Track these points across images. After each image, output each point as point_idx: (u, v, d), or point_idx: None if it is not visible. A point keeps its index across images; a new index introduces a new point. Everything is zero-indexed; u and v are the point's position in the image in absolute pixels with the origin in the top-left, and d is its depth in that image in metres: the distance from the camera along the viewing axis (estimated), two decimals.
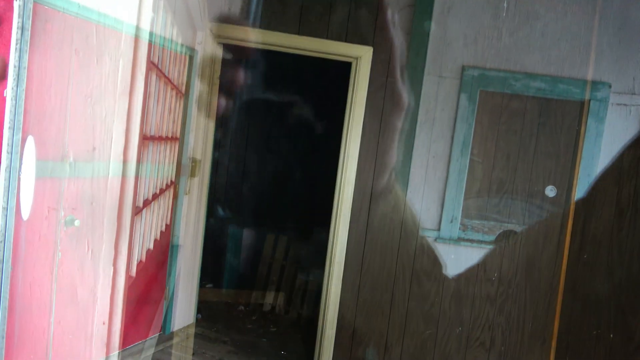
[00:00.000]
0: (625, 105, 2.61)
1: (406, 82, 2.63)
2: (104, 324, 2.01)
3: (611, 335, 2.49)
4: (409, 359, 2.73)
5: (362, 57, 2.57)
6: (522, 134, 2.76)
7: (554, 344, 2.89)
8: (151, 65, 2.29)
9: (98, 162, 1.80)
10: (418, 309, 2.72)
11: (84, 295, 1.86)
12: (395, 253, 2.67)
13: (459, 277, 2.75)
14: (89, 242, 1.83)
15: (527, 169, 2.78)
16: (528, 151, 2.77)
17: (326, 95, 4.61)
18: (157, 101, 2.58)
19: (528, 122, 2.76)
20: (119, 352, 2.50)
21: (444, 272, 2.73)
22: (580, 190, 2.82)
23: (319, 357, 2.68)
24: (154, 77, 2.40)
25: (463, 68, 2.67)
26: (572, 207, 2.86)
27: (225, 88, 4.31)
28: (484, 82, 2.69)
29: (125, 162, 1.99)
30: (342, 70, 2.80)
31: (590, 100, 2.80)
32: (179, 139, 3.13)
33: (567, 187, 2.84)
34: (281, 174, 4.65)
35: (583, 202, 2.79)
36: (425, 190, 2.69)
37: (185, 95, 3.10)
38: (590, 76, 2.80)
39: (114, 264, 2.03)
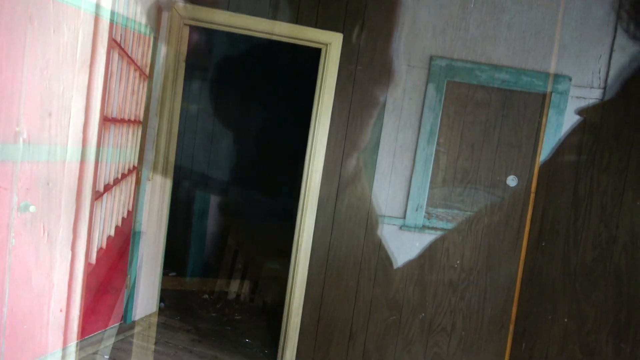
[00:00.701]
0: (584, 98, 2.71)
1: (375, 71, 2.63)
2: (61, 311, 1.92)
3: (565, 320, 2.60)
4: (373, 345, 2.77)
5: (332, 43, 2.55)
6: (486, 125, 2.82)
7: (511, 328, 3.00)
8: (113, 42, 2.20)
9: (55, 141, 1.70)
10: (382, 296, 2.75)
11: (39, 281, 1.77)
12: (361, 241, 2.69)
13: (423, 264, 2.80)
14: (45, 225, 1.74)
15: (490, 159, 2.85)
16: (491, 142, 2.84)
17: (297, 81, 4.58)
18: (120, 81, 2.49)
19: (492, 113, 2.82)
20: (77, 342, 2.41)
21: (408, 260, 2.77)
22: (540, 180, 2.91)
23: (284, 344, 2.68)
24: (116, 55, 2.31)
25: (431, 58, 2.69)
26: (532, 196, 2.95)
27: (192, 72, 4.20)
28: (451, 72, 2.72)
29: (84, 141, 1.89)
30: (314, 56, 2.78)
31: (551, 92, 2.89)
32: (142, 123, 3.03)
33: (527, 177, 2.93)
34: (248, 162, 4.60)
35: (542, 192, 2.88)
36: (392, 179, 2.72)
37: (149, 77, 3.00)
38: (552, 69, 2.89)
39: (72, 248, 1.94)
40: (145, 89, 2.98)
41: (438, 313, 2.85)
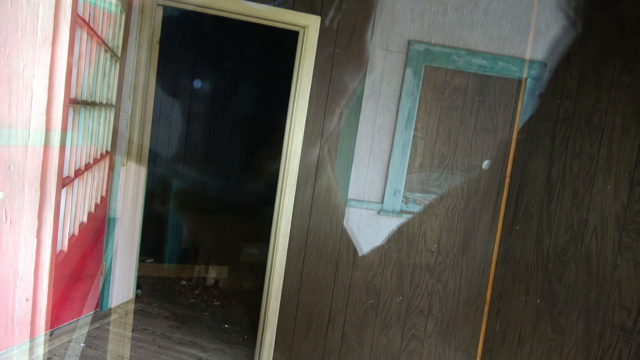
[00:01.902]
0: (559, 84, 2.74)
1: (353, 55, 2.61)
2: (27, 300, 1.87)
3: (538, 301, 2.68)
4: (352, 327, 2.80)
5: (309, 26, 2.51)
6: (463, 110, 2.84)
7: (486, 309, 3.07)
8: (81, 21, 2.12)
9: (16, 123, 1.63)
10: (361, 280, 2.78)
11: (2, 270, 1.71)
12: (340, 225, 2.70)
13: (400, 248, 2.83)
14: (7, 212, 1.67)
15: (466, 144, 2.88)
16: (468, 127, 2.86)
17: (275, 64, 4.52)
18: (90, 62, 2.40)
19: (469, 99, 2.84)
20: (46, 333, 2.36)
21: (386, 244, 2.80)
22: (515, 165, 2.96)
23: (263, 329, 2.69)
24: (84, 35, 2.23)
25: (409, 42, 2.68)
26: (507, 181, 3.00)
27: (166, 53, 4.10)
28: (429, 57, 2.72)
29: (48, 123, 1.81)
30: (292, 39, 2.74)
31: (527, 78, 2.92)
32: (115, 107, 2.95)
33: (503, 161, 2.97)
34: (226, 146, 4.54)
35: (517, 177, 2.93)
36: (370, 164, 2.72)
37: (121, 59, 2.91)
38: (528, 55, 2.91)
39: (38, 236, 1.87)
40: (117, 71, 2.90)
41: (415, 296, 2.90)
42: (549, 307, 2.60)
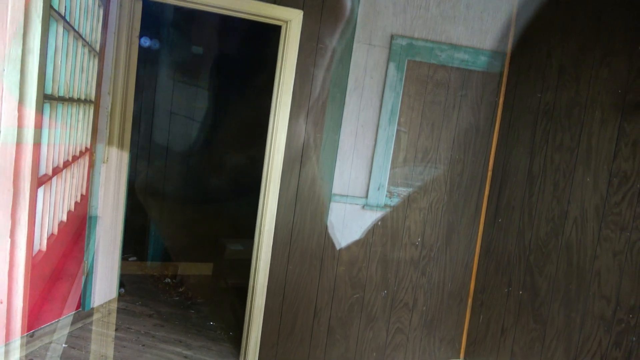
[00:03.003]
0: (540, 78, 2.77)
1: (336, 49, 2.60)
2: (1, 303, 1.82)
3: (520, 292, 2.71)
4: (337, 322, 2.80)
5: (292, 20, 2.49)
6: (446, 104, 2.85)
7: (470, 301, 3.10)
8: (56, 14, 2.07)
9: None
10: (346, 275, 2.78)
11: None
12: (324, 220, 2.69)
13: (385, 242, 2.84)
14: None
15: (449, 138, 2.89)
16: (451, 121, 2.88)
17: (258, 58, 4.48)
18: (67, 57, 2.35)
19: (452, 93, 2.85)
20: (24, 336, 2.31)
21: (371, 239, 2.80)
22: (497, 159, 2.99)
23: (248, 325, 2.67)
24: (60, 29, 2.17)
25: (392, 37, 2.68)
26: (490, 174, 3.03)
27: (146, 47, 4.04)
28: (411, 51, 2.72)
29: (21, 120, 1.76)
30: (275, 34, 2.71)
31: (508, 72, 2.94)
32: (94, 102, 2.90)
33: (485, 155, 3.00)
34: (208, 142, 4.50)
35: (499, 170, 2.96)
36: (354, 159, 2.72)
37: (100, 54, 2.85)
38: (509, 49, 2.94)
39: (12, 236, 1.82)
40: (96, 66, 2.84)
41: (400, 289, 2.92)
42: (531, 298, 2.64)
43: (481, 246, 3.06)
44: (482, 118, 2.95)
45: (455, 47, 2.81)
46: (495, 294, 2.90)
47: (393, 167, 2.79)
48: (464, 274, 3.07)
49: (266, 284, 2.63)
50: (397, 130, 2.77)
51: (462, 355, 3.13)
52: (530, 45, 2.80)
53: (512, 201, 2.84)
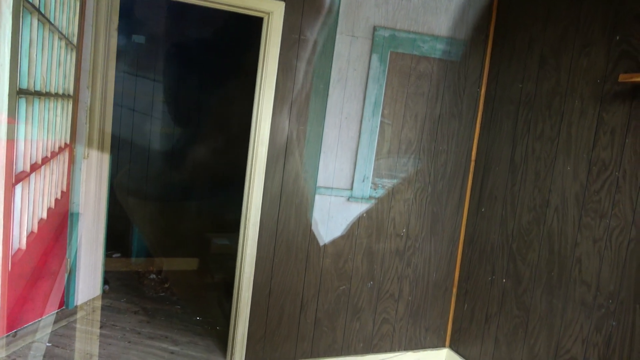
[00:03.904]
0: (522, 69, 2.80)
1: (319, 41, 2.58)
2: None
3: (504, 280, 2.76)
4: (324, 314, 2.82)
5: (273, 12, 2.46)
6: (429, 96, 2.86)
7: (454, 290, 3.14)
8: (29, 6, 2.01)
9: None
10: (332, 267, 2.79)
11: None
12: (309, 213, 2.69)
13: (370, 234, 2.85)
14: None
15: (433, 129, 2.91)
16: (434, 112, 2.89)
17: (240, 51, 4.44)
18: (43, 51, 2.29)
19: (434, 84, 2.86)
20: (5, 336, 2.27)
21: (356, 230, 2.81)
22: (479, 149, 3.02)
23: (235, 319, 2.67)
24: (35, 21, 2.12)
25: (374, 28, 2.68)
26: (473, 164, 3.06)
27: (125, 41, 3.96)
28: (394, 43, 2.72)
29: None
30: (257, 26, 2.69)
31: (489, 63, 2.96)
32: (72, 97, 2.84)
33: (468, 146, 3.02)
34: (192, 135, 4.45)
35: (482, 160, 2.99)
36: (338, 151, 2.72)
37: (77, 47, 2.79)
38: (490, 40, 2.96)
39: None
40: (74, 60, 2.78)
41: (386, 280, 2.94)
42: (514, 285, 2.69)
43: (465, 235, 3.09)
44: (464, 109, 2.97)
45: (437, 38, 2.82)
46: (479, 283, 2.94)
47: (377, 158, 2.80)
48: (449, 263, 3.10)
49: (252, 277, 2.63)
50: (381, 122, 2.77)
51: (447, 343, 3.18)
52: (512, 36, 2.82)
53: (494, 191, 2.87)
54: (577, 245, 2.33)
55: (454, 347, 3.12)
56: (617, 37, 2.20)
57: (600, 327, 2.20)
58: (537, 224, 2.56)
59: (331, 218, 2.75)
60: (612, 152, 2.20)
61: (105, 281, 3.58)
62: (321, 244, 2.75)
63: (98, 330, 2.99)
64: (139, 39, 4.03)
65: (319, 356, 2.84)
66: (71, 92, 2.80)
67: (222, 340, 3.04)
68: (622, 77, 1.99)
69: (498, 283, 2.80)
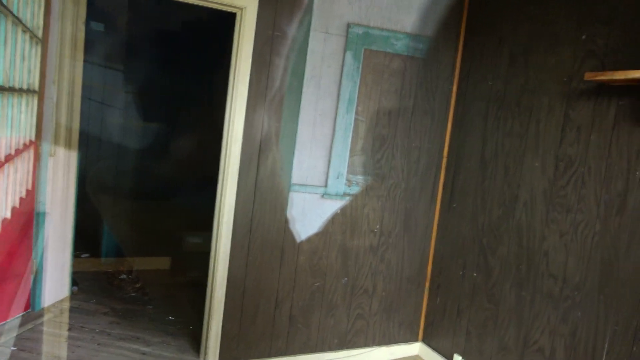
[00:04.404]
0: (493, 66, 2.86)
1: (293, 38, 2.57)
2: None
3: (475, 274, 2.82)
4: (299, 311, 2.81)
5: (247, 7, 2.44)
6: (402, 93, 2.89)
7: (427, 285, 3.19)
8: None
9: None
10: (307, 263, 2.79)
11: None
12: (284, 210, 2.69)
13: (345, 230, 2.86)
14: None
15: (406, 126, 2.94)
16: (407, 109, 2.93)
17: (217, 44, 4.38)
18: (6, 45, 2.21)
19: (407, 81, 2.89)
20: None
21: (331, 227, 2.82)
22: (451, 146, 3.07)
23: (209, 318, 2.64)
24: None
25: (348, 25, 2.68)
26: (445, 161, 3.11)
27: (93, 35, 3.86)
28: (368, 40, 2.74)
29: None
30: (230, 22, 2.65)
31: (461, 60, 3.02)
32: (38, 92, 2.74)
33: (440, 142, 3.07)
34: (164, 131, 4.37)
35: (453, 157, 3.04)
36: (312, 148, 2.71)
37: (43, 41, 2.70)
38: (462, 38, 3.01)
39: None
40: (39, 54, 2.68)
41: (360, 276, 2.96)
42: (485, 279, 2.75)
43: (437, 231, 3.14)
44: (436, 106, 3.02)
45: (410, 36, 2.85)
46: (451, 277, 3.00)
47: (352, 155, 2.81)
48: (421, 258, 3.15)
49: (226, 275, 2.60)
50: (355, 119, 2.78)
51: (420, 337, 3.22)
52: (482, 34, 2.87)
53: (466, 186, 2.93)
54: (545, 239, 2.41)
55: (427, 340, 3.17)
56: (583, 37, 2.27)
57: (566, 318, 2.28)
58: (507, 219, 2.63)
59: (306, 215, 2.75)
60: (578, 149, 2.27)
61: (74, 282, 3.48)
62: (296, 240, 2.74)
63: (66, 333, 2.91)
64: (107, 32, 3.93)
65: (293, 353, 2.84)
66: (36, 88, 2.71)
67: (196, 339, 3.00)
68: (588, 76, 2.06)
69: (469, 277, 2.86)
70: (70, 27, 2.71)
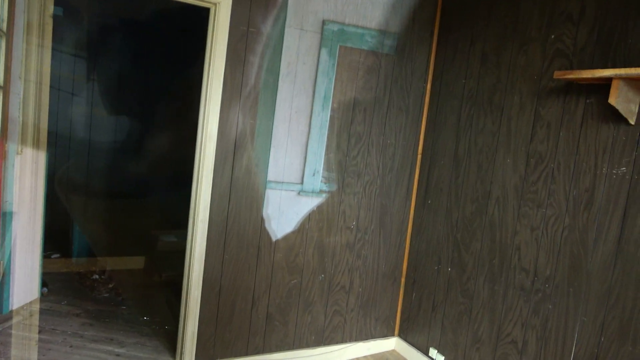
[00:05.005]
0: (466, 64, 2.90)
1: (268, 34, 2.55)
2: None
3: (449, 269, 2.86)
4: (276, 309, 2.81)
5: (220, 3, 2.41)
6: (377, 90, 2.91)
7: (403, 281, 3.23)
8: None
9: None
10: (283, 261, 2.78)
11: None
12: (260, 208, 2.67)
13: (321, 227, 2.87)
14: None
15: (381, 123, 2.96)
16: (382, 106, 2.94)
17: (189, 43, 4.31)
18: None
19: (382, 79, 2.91)
20: None
21: (307, 224, 2.82)
22: (425, 143, 3.10)
23: (184, 317, 2.61)
24: None
25: (324, 22, 2.68)
26: (419, 158, 3.14)
27: (61, 28, 3.75)
28: (343, 37, 2.74)
29: None
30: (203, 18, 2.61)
31: (435, 58, 3.05)
32: (3, 88, 2.65)
33: (415, 139, 3.10)
34: (137, 128, 4.28)
35: (428, 154, 3.08)
36: (288, 145, 2.70)
37: (7, 35, 2.61)
38: (435, 36, 3.04)
39: None
40: (3, 48, 2.59)
41: (337, 273, 2.97)
42: (459, 274, 2.79)
43: (412, 227, 3.18)
44: (411, 103, 3.05)
45: (385, 33, 2.86)
46: (426, 272, 3.04)
47: (327, 152, 2.81)
48: (397, 254, 3.18)
49: (202, 274, 2.58)
50: (331, 116, 2.79)
51: (396, 332, 3.26)
52: (455, 33, 2.91)
53: (440, 183, 2.97)
54: (517, 233, 2.46)
55: (403, 335, 3.21)
56: (552, 36, 2.33)
57: (537, 310, 2.34)
58: (480, 215, 2.68)
59: (282, 212, 2.74)
60: (548, 145, 2.33)
61: (44, 283, 3.39)
62: (273, 238, 2.73)
63: (36, 336, 2.83)
64: (76, 25, 3.82)
65: (271, 351, 2.84)
66: (1, 83, 2.62)
67: (171, 340, 2.96)
68: (557, 74, 2.11)
69: (444, 272, 2.90)
70: (37, 19, 2.62)
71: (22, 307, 3.06)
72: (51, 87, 3.02)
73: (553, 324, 2.26)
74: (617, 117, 2.04)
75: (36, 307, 3.18)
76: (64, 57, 3.85)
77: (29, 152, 2.84)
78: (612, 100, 1.91)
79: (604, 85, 2.09)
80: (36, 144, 2.89)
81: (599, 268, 2.08)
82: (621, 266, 2.00)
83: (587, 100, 2.16)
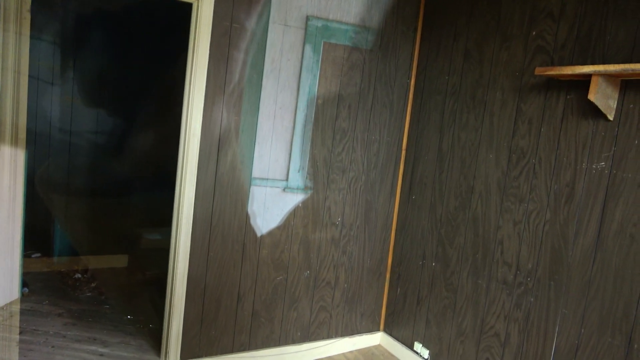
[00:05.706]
0: (450, 61, 2.92)
1: (252, 30, 2.54)
2: None
3: (433, 264, 2.89)
4: (261, 305, 2.81)
5: None
6: (361, 86, 2.91)
7: (388, 276, 3.25)
8: None
9: None
10: (269, 257, 2.78)
11: None
12: (245, 204, 2.66)
13: (307, 224, 2.87)
14: None
15: (365, 119, 2.97)
16: (366, 102, 2.95)
17: (172, 39, 4.26)
18: None
19: (366, 75, 2.91)
20: None
21: (292, 220, 2.82)
22: (409, 139, 3.12)
23: (169, 316, 2.59)
24: None
25: (307, 18, 2.67)
26: (404, 153, 3.16)
27: (40, 23, 3.66)
28: (327, 33, 2.73)
29: None
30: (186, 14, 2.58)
31: (419, 54, 3.06)
32: None
33: (399, 135, 3.12)
34: (120, 125, 4.22)
35: (412, 149, 3.10)
36: (273, 141, 2.70)
37: None
38: (419, 32, 3.05)
39: None
40: None
41: (322, 269, 2.98)
42: (443, 268, 2.82)
43: (397, 222, 3.20)
44: (395, 99, 3.06)
45: (368, 29, 2.86)
46: (411, 267, 3.06)
47: (312, 148, 2.81)
48: (382, 249, 3.20)
49: (186, 272, 2.56)
50: (315, 112, 2.78)
51: (381, 327, 3.29)
52: (438, 29, 2.93)
53: (424, 178, 2.99)
54: (499, 228, 2.49)
55: (388, 330, 3.24)
56: (533, 33, 2.36)
57: (520, 303, 2.38)
58: (463, 209, 2.71)
59: (267, 209, 2.73)
60: (530, 141, 2.36)
61: (24, 283, 3.33)
62: (258, 235, 2.73)
63: (17, 337, 2.78)
64: (55, 19, 3.74)
65: (256, 348, 2.83)
66: None
67: (156, 338, 2.94)
68: (538, 71, 2.14)
69: (428, 267, 2.93)
70: (14, 15, 2.56)
71: (1, 308, 3.00)
72: (29, 83, 2.95)
73: (535, 317, 2.30)
74: (596, 112, 2.08)
75: (17, 307, 3.13)
76: (41, 54, 3.77)
77: (6, 150, 2.78)
78: (592, 96, 1.94)
79: (584, 82, 2.12)
80: (14, 142, 2.83)
81: (579, 261, 2.12)
82: (600, 259, 2.04)
83: (568, 96, 2.19)
